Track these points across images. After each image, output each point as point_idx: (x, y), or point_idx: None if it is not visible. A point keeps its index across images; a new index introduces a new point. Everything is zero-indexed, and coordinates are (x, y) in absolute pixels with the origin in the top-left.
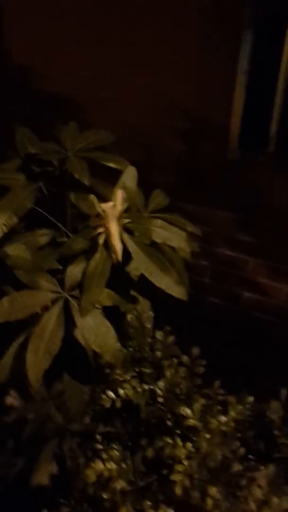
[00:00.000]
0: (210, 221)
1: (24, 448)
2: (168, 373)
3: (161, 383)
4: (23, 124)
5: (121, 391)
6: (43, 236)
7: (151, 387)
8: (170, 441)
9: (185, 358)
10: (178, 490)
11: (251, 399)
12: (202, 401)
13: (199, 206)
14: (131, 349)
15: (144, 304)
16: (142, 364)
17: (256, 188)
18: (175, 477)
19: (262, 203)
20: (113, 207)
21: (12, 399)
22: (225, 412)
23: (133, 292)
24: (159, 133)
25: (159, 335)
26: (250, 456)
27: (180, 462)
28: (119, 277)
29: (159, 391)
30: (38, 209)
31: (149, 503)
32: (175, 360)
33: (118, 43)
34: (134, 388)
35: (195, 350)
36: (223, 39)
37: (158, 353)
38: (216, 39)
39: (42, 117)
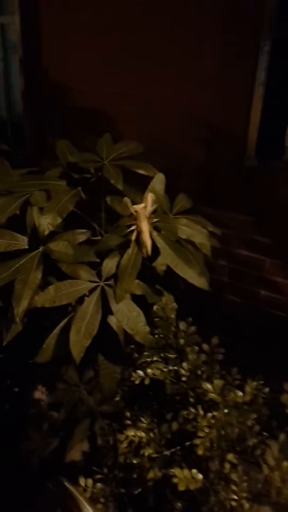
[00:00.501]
0: (230, 224)
1: (58, 429)
2: (190, 357)
3: (184, 364)
4: (61, 136)
5: (149, 371)
6: (81, 235)
7: (176, 368)
8: (193, 410)
9: (205, 346)
10: (200, 451)
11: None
12: (221, 381)
13: (220, 210)
14: (156, 336)
15: (168, 297)
16: (167, 349)
17: (272, 193)
18: (197, 441)
19: (277, 207)
20: (144, 208)
21: (40, 393)
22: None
23: (158, 287)
24: (183, 143)
25: (182, 325)
26: (263, 432)
27: (202, 430)
28: (147, 272)
29: (182, 371)
30: (77, 211)
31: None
32: (196, 347)
33: (147, 63)
34: (160, 368)
35: (215, 339)
36: (241, 54)
37: (181, 341)
38: (234, 54)
39: (77, 129)
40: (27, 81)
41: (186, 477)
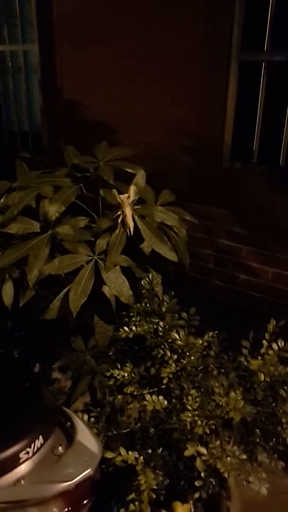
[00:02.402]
0: (211, 217)
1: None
2: (167, 318)
3: (161, 323)
4: (73, 144)
5: (133, 327)
6: (81, 221)
7: (155, 326)
8: (162, 352)
9: (184, 314)
10: (164, 381)
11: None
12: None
13: (204, 205)
14: (143, 304)
15: (154, 274)
16: (151, 315)
17: (245, 190)
18: (164, 373)
19: (249, 202)
20: (127, 198)
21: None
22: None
23: (147, 267)
24: (171, 149)
25: (165, 297)
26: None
27: (169, 366)
28: (136, 253)
29: (160, 328)
30: (79, 203)
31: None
32: (176, 315)
33: (141, 85)
34: (141, 325)
35: (192, 309)
36: (215, 74)
37: (163, 308)
38: (210, 75)
39: (85, 139)
40: (45, 98)
41: (154, 401)
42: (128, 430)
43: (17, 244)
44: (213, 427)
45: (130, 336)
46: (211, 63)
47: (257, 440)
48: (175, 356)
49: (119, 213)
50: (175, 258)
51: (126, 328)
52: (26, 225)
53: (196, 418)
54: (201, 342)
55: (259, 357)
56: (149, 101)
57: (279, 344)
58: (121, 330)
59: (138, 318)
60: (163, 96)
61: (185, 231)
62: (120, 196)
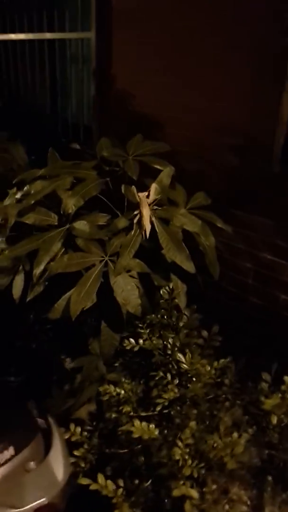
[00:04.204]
0: (254, 226)
1: (76, 391)
2: (181, 335)
3: (170, 340)
4: (120, 136)
5: (140, 341)
6: (102, 218)
7: (165, 342)
8: (162, 374)
9: (204, 332)
10: (158, 408)
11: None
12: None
13: (245, 212)
14: (159, 316)
15: (177, 284)
16: (168, 329)
17: None
18: (160, 399)
19: None
20: (146, 196)
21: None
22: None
23: (173, 276)
24: (216, 148)
25: (186, 310)
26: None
27: (167, 392)
28: (158, 259)
29: (169, 345)
30: (103, 197)
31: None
32: (195, 332)
33: (187, 79)
34: (149, 340)
35: (215, 328)
36: (270, 68)
37: (180, 323)
38: (264, 69)
39: (134, 131)
40: (97, 89)
41: (143, 429)
42: (117, 452)
43: (32, 236)
44: (203, 471)
45: (136, 349)
46: (264, 50)
47: (268, 489)
48: (176, 381)
49: (136, 212)
50: (192, 268)
51: (132, 340)
52: (44, 216)
53: (187, 456)
54: (209, 368)
55: (279, 395)
56: (195, 92)
57: None
58: (126, 341)
59: (148, 331)
60: (211, 89)
61: (214, 239)
62: (139, 194)
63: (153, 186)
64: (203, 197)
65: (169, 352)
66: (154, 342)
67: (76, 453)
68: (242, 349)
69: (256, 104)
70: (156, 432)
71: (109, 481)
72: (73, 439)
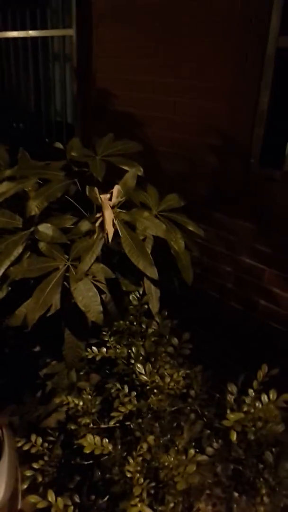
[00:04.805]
0: (234, 230)
1: (45, 399)
2: (147, 344)
3: (134, 348)
4: (101, 136)
5: (103, 349)
6: (68, 220)
7: (129, 351)
8: (118, 386)
9: (174, 340)
10: (112, 422)
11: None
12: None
13: (225, 215)
14: (128, 322)
15: (149, 288)
16: (137, 337)
17: (274, 202)
18: (115, 412)
19: (278, 217)
20: (108, 199)
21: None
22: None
23: (146, 281)
24: (197, 149)
25: (157, 316)
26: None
27: (123, 405)
28: (128, 264)
29: (132, 355)
30: (70, 199)
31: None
32: (165, 338)
33: (172, 76)
34: (115, 347)
35: (186, 335)
36: (249, 72)
37: (149, 330)
38: (242, 74)
39: (115, 130)
40: (78, 88)
41: (95, 444)
42: (79, 465)
43: None
44: (153, 491)
45: (98, 358)
46: (245, 48)
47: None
48: (134, 393)
49: (98, 215)
50: (154, 275)
51: (94, 348)
52: (7, 219)
53: (138, 475)
54: (169, 379)
55: (244, 408)
56: (178, 91)
57: (271, 396)
58: (88, 350)
59: (112, 339)
60: (192, 85)
61: (183, 243)
62: (101, 196)
63: (116, 188)
64: (175, 199)
65: (132, 361)
66: (118, 350)
67: (34, 465)
68: (216, 357)
69: (235, 103)
70: (110, 447)
71: (59, 499)
72: (33, 450)
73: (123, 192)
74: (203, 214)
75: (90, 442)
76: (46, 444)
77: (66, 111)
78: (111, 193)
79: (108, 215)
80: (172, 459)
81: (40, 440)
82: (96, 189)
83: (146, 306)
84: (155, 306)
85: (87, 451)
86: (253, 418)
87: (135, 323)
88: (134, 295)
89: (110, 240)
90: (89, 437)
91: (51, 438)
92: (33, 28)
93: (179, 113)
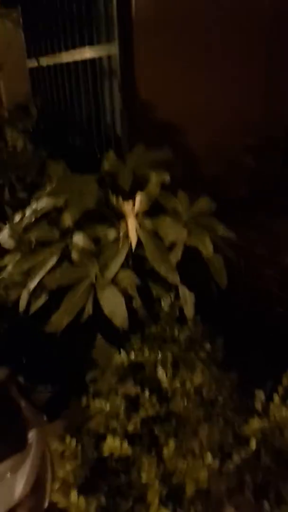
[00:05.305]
0: (275, 231)
1: None
2: (174, 349)
3: (161, 354)
4: (147, 146)
5: (132, 354)
6: (100, 229)
7: (159, 356)
8: (137, 390)
9: (207, 346)
10: (130, 427)
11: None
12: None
13: (265, 216)
14: (159, 328)
15: (184, 293)
16: (167, 342)
17: None
18: (134, 417)
19: None
20: (132, 207)
21: None
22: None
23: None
24: (235, 150)
25: (190, 322)
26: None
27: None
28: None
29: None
30: (101, 209)
31: None
32: (198, 345)
33: (211, 84)
34: (143, 352)
35: (219, 340)
36: (284, 73)
37: (181, 336)
38: (279, 76)
39: (156, 141)
40: (124, 102)
41: (115, 446)
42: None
43: (36, 251)
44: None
45: (125, 363)
46: (280, 49)
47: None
48: (154, 399)
49: (123, 224)
50: (176, 280)
51: (123, 353)
52: (46, 232)
53: (153, 479)
54: (190, 386)
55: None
56: (214, 96)
57: None
58: (116, 355)
59: (141, 344)
60: (229, 88)
61: (211, 247)
62: (125, 204)
63: (138, 197)
64: (206, 203)
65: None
66: (146, 355)
67: (67, 466)
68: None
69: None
70: (129, 451)
71: (81, 499)
72: (67, 452)
73: (146, 199)
74: (241, 216)
75: (110, 444)
76: (80, 447)
77: (115, 125)
78: (134, 202)
79: (131, 223)
80: (185, 464)
81: (74, 443)
82: (120, 198)
83: (177, 312)
84: (189, 311)
85: (105, 453)
86: (278, 426)
87: (167, 329)
88: (165, 301)
89: (133, 248)
90: (110, 439)
91: (85, 441)
92: (80, 46)
93: (216, 117)
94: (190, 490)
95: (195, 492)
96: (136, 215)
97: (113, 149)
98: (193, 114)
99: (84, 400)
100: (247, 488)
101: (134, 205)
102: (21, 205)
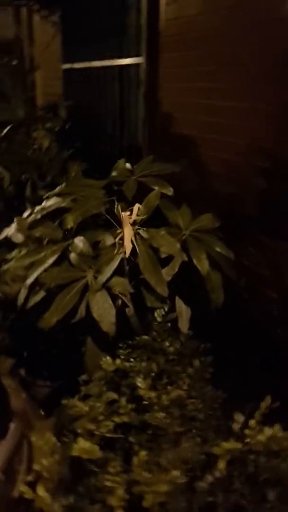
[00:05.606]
0: (281, 253)
1: None
2: (161, 360)
3: (143, 364)
4: (165, 158)
5: (117, 361)
6: (100, 234)
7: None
8: (114, 395)
9: (196, 362)
10: (103, 430)
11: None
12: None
13: (272, 238)
14: (150, 338)
15: (180, 306)
16: (157, 353)
17: None
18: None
19: None
20: (128, 216)
21: None
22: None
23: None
24: (245, 169)
25: (182, 336)
26: None
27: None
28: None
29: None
30: (106, 215)
31: None
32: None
33: (228, 103)
34: (129, 361)
35: (209, 358)
36: None
37: (171, 349)
38: None
39: (175, 153)
40: (146, 112)
41: (84, 448)
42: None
43: (38, 248)
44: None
45: (110, 369)
46: None
47: None
48: (129, 406)
49: (119, 231)
50: (165, 292)
51: (109, 359)
52: (50, 230)
53: (116, 485)
54: (165, 398)
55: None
56: (229, 113)
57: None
58: (103, 360)
59: (129, 352)
60: (243, 113)
61: (207, 263)
62: (122, 213)
63: (136, 206)
64: (209, 220)
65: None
66: (128, 363)
67: (44, 461)
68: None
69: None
70: (97, 452)
71: (46, 494)
72: (45, 448)
73: (144, 209)
74: (247, 235)
75: (80, 446)
76: (59, 444)
77: (137, 134)
78: (131, 211)
79: (127, 231)
80: (149, 476)
81: (53, 439)
82: (119, 206)
83: (169, 324)
84: (184, 325)
85: (74, 453)
86: (254, 451)
87: (158, 340)
88: (159, 312)
89: (127, 255)
90: (81, 441)
91: (66, 439)
92: (111, 57)
93: (230, 135)
94: (148, 501)
95: (159, 505)
96: (134, 224)
97: (134, 156)
98: (208, 130)
99: (71, 401)
100: (219, 508)
101: (130, 214)
102: (40, 202)
